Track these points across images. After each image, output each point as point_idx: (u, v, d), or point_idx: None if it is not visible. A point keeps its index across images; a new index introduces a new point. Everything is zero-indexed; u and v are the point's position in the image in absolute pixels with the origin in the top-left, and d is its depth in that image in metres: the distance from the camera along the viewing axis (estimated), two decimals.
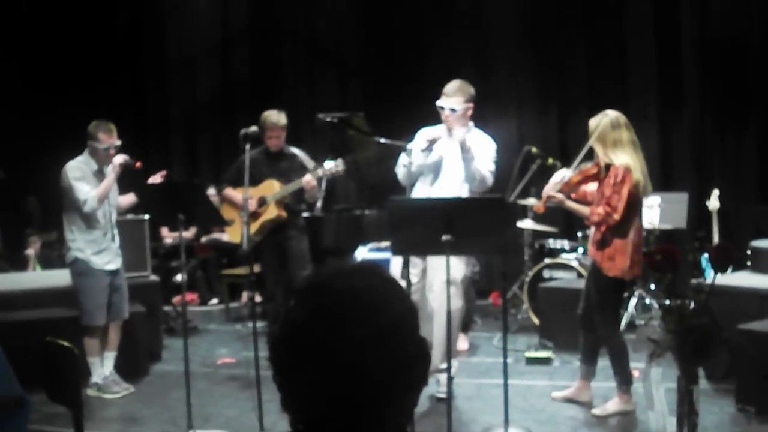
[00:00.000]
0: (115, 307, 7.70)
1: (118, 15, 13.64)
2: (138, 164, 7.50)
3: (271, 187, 8.24)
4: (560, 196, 6.68)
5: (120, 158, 7.48)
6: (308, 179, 7.99)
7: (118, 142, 7.54)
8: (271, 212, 8.27)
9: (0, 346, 5.41)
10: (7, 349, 5.29)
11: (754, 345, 6.64)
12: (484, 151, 7.12)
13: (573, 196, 6.81)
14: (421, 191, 7.06)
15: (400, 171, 7.04)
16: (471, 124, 7.24)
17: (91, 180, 7.48)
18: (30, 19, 12.92)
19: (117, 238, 7.73)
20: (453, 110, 7.00)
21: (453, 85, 7.08)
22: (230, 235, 8.62)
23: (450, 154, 7.07)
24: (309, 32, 13.20)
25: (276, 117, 8.33)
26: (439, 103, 7.06)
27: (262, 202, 8.22)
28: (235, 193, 8.22)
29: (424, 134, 7.17)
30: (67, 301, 8.11)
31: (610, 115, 6.60)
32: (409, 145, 6.79)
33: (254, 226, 8.26)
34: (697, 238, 4.38)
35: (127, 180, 7.58)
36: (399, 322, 1.72)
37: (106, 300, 7.61)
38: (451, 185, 7.04)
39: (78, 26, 12.93)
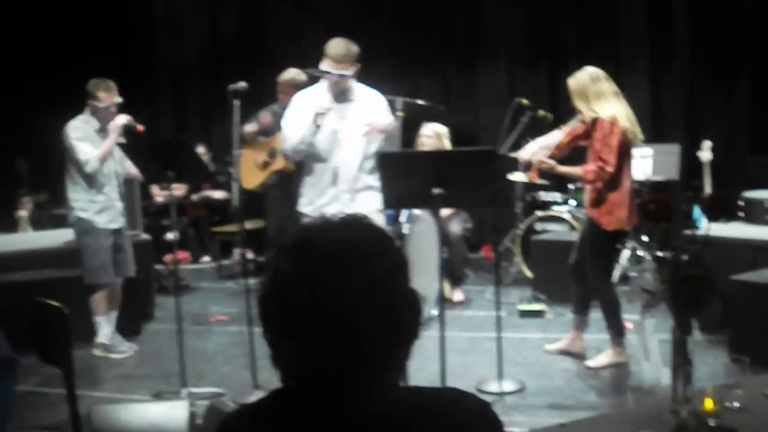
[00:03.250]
0: (119, 266, 7.71)
1: None
2: (141, 128, 7.45)
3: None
4: (551, 162, 6.66)
5: (123, 119, 7.42)
6: None
7: (119, 100, 7.50)
8: (279, 163, 8.38)
9: None
10: None
11: (747, 295, 6.66)
12: (381, 111, 6.81)
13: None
14: (318, 170, 6.70)
15: (288, 147, 6.72)
16: (353, 81, 6.73)
17: (94, 139, 7.44)
18: None
19: (122, 198, 7.73)
20: (342, 75, 6.55)
21: (340, 49, 6.50)
22: (245, 182, 8.63)
23: (344, 125, 6.64)
24: None
25: (292, 74, 8.53)
26: (325, 68, 6.55)
27: (272, 152, 8.31)
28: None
29: (303, 104, 6.73)
30: (59, 262, 8.11)
31: (588, 70, 6.60)
32: (289, 119, 6.68)
33: (262, 176, 8.38)
34: (691, 187, 4.35)
35: (129, 142, 7.51)
36: (388, 275, 1.69)
37: (110, 259, 7.60)
38: (351, 161, 6.65)
39: None
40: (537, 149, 6.78)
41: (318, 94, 6.72)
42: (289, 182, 8.44)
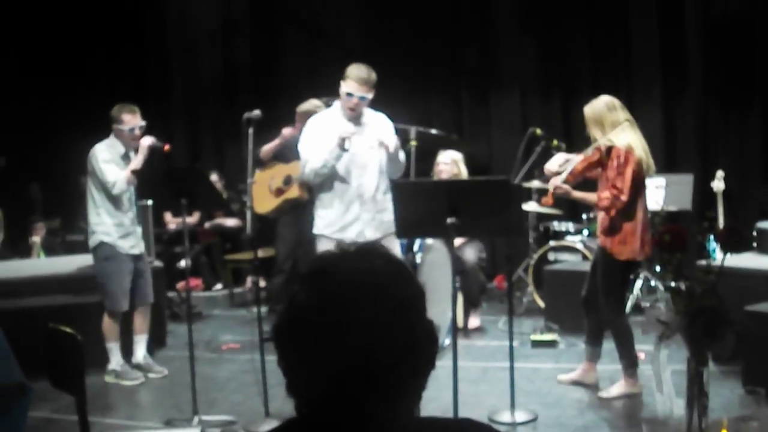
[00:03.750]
0: (140, 292, 7.72)
1: (121, 0, 13.60)
2: (167, 147, 7.49)
3: (298, 167, 8.30)
4: (566, 187, 6.65)
5: (148, 140, 7.44)
6: None
7: (143, 123, 7.53)
8: (294, 192, 8.37)
9: (3, 333, 5.40)
10: (11, 337, 5.28)
11: (761, 326, 6.62)
12: (390, 133, 6.86)
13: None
14: (335, 192, 6.75)
15: (309, 171, 6.74)
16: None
17: (119, 164, 7.47)
18: (30, 5, 12.86)
19: (140, 224, 7.77)
20: (363, 98, 6.65)
21: (363, 73, 6.62)
22: (257, 206, 8.65)
23: (361, 146, 6.71)
24: (310, 16, 13.18)
25: (313, 104, 8.50)
26: (348, 89, 6.63)
27: (288, 180, 8.32)
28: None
29: (319, 128, 6.81)
30: (72, 288, 8.12)
31: (604, 98, 6.62)
32: (307, 145, 6.73)
33: (275, 203, 8.40)
34: (706, 218, 4.33)
35: (155, 164, 7.54)
36: (405, 305, 1.69)
37: (130, 285, 7.61)
38: (369, 182, 6.75)
39: (79, 12, 12.89)
40: (563, 161, 6.76)
41: (333, 118, 6.77)
42: (302, 210, 8.46)
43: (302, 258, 8.44)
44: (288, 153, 8.50)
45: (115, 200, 7.51)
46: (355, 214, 6.70)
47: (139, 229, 7.72)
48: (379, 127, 6.81)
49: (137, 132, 7.47)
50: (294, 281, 1.75)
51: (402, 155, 6.88)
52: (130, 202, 7.61)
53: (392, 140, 6.75)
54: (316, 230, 6.87)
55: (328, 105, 7.06)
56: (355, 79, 6.58)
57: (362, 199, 6.71)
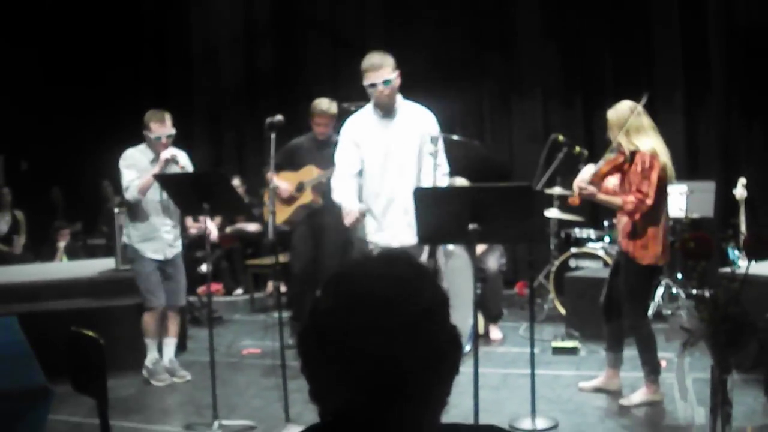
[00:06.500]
0: (168, 295, 7.76)
1: (143, 7, 13.66)
2: (181, 165, 7.51)
3: (310, 173, 8.31)
4: (592, 188, 6.64)
5: (167, 153, 7.47)
6: None
7: (173, 131, 7.57)
8: (306, 197, 8.33)
9: (26, 337, 5.43)
10: (33, 340, 5.30)
11: None
12: (429, 125, 6.73)
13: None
14: (373, 193, 6.68)
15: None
16: (400, 97, 6.76)
17: (146, 168, 7.53)
18: (53, 13, 12.94)
19: (170, 230, 7.77)
20: (387, 82, 6.53)
21: (374, 59, 6.54)
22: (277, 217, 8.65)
23: (393, 142, 6.62)
24: (332, 22, 13.20)
25: (327, 105, 8.45)
26: (367, 81, 6.52)
27: (300, 187, 8.28)
28: (277, 178, 8.26)
29: (352, 132, 6.76)
30: (93, 292, 8.17)
31: (627, 103, 6.61)
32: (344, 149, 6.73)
33: (289, 210, 8.36)
34: (730, 225, 4.30)
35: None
36: (430, 311, 1.68)
37: (159, 282, 7.70)
38: (407, 178, 6.60)
39: (102, 19, 12.96)
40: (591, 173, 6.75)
41: (365, 117, 6.74)
42: (317, 217, 8.44)
43: (321, 269, 8.38)
44: (298, 160, 8.44)
45: (130, 205, 7.60)
46: (390, 219, 6.62)
47: (166, 235, 7.72)
48: (416, 120, 6.70)
49: (164, 141, 7.49)
50: (319, 288, 1.73)
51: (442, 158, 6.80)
52: (153, 208, 7.64)
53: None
54: (360, 234, 6.87)
55: (356, 110, 7.00)
56: (369, 68, 6.51)
57: (396, 202, 6.60)
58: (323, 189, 8.27)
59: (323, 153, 8.31)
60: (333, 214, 8.43)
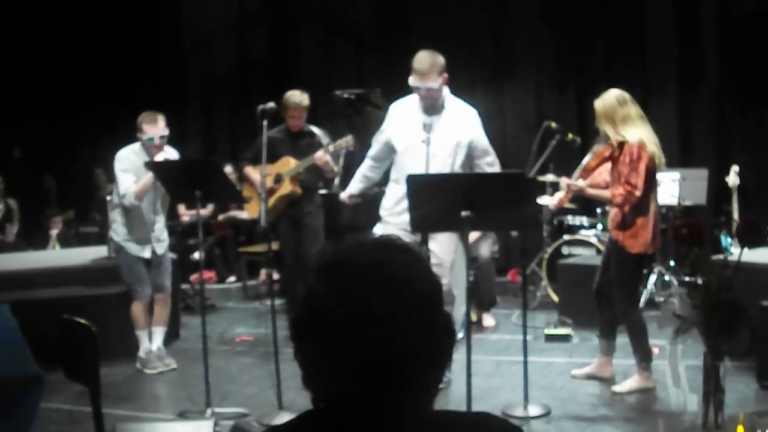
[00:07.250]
0: (153, 280, 7.82)
1: None
2: None
3: (287, 164, 8.30)
4: (581, 183, 6.66)
5: (161, 157, 7.45)
6: (320, 155, 8.07)
7: (165, 132, 7.53)
8: (285, 188, 8.32)
9: (18, 324, 5.42)
10: (26, 328, 5.30)
11: None
12: (470, 125, 6.79)
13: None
14: (401, 176, 6.64)
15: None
16: (447, 91, 6.80)
17: (140, 171, 7.48)
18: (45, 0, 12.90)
19: (159, 227, 7.82)
20: (430, 88, 6.58)
21: (425, 62, 6.57)
22: (249, 212, 8.71)
23: (434, 139, 6.49)
24: (325, 9, 13.16)
25: (299, 97, 8.39)
26: (413, 83, 6.60)
27: (278, 178, 8.27)
28: (253, 172, 8.26)
29: (399, 116, 6.87)
30: (85, 279, 8.16)
31: (614, 92, 6.59)
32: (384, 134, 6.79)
33: (269, 202, 8.31)
34: (723, 212, 4.30)
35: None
36: (423, 297, 1.67)
37: (143, 275, 7.75)
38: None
39: (95, 7, 12.91)
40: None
41: (411, 105, 6.79)
42: (297, 208, 8.45)
43: (304, 256, 8.40)
44: (274, 152, 8.36)
45: (125, 208, 7.63)
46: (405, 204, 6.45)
47: (154, 234, 7.76)
48: (458, 119, 6.72)
49: (157, 142, 7.46)
50: (312, 273, 1.72)
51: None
52: (145, 210, 7.66)
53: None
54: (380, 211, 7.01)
55: (348, 98, 6.99)
56: (418, 71, 6.56)
57: None
58: (301, 179, 8.35)
59: (298, 144, 8.46)
60: (314, 203, 8.50)
